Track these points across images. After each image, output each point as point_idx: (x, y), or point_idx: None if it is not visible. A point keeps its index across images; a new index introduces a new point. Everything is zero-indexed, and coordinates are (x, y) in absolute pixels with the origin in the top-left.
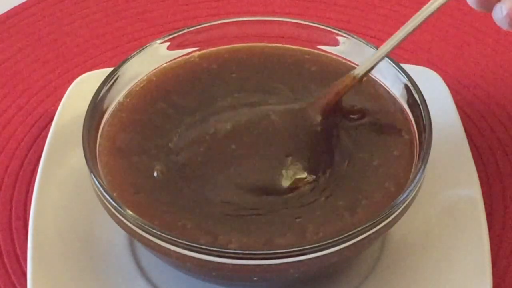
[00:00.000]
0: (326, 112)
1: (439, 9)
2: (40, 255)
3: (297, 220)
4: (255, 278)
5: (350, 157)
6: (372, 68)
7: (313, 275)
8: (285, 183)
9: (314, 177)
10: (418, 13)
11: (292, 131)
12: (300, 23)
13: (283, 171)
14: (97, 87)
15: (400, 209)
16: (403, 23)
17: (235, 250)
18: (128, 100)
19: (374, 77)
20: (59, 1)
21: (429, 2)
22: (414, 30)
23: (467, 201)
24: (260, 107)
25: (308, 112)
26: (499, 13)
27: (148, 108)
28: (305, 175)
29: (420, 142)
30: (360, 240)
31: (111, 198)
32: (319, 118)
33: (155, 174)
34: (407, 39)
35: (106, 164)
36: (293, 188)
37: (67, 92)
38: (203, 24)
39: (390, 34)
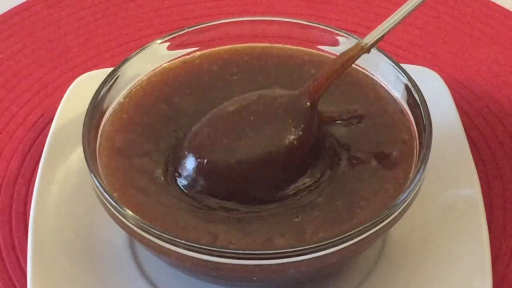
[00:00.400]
0: (332, 82)
1: None
2: (40, 255)
3: (296, 220)
4: (255, 278)
5: (350, 157)
6: (381, 38)
7: (313, 275)
8: (285, 184)
9: (313, 177)
10: None
11: (296, 110)
12: (300, 23)
13: (284, 172)
14: (97, 87)
15: (400, 209)
16: (403, 23)
17: (235, 250)
18: (128, 100)
19: (374, 77)
20: (59, 1)
21: None
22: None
23: (467, 201)
24: (257, 97)
25: (314, 85)
26: None
27: (148, 108)
28: (305, 175)
29: (420, 142)
30: (360, 240)
31: (111, 198)
32: (322, 134)
33: (155, 174)
34: (407, 39)
35: (106, 164)
36: (293, 188)
37: (67, 92)
38: (203, 24)
39: (390, 34)
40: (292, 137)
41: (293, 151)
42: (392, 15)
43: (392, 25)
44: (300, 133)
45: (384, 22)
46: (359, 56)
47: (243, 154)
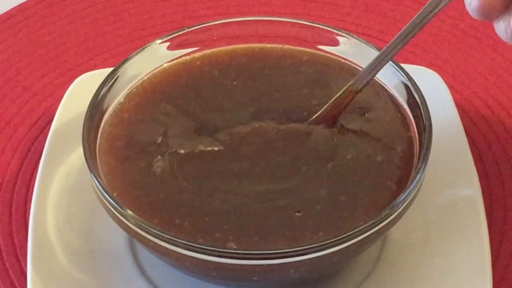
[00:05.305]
0: (329, 126)
1: (440, 10)
2: (40, 255)
3: (296, 214)
4: (255, 278)
5: (350, 157)
6: (372, 78)
7: (313, 275)
8: (286, 183)
9: (314, 175)
10: (419, 13)
11: (297, 147)
12: (300, 23)
13: (284, 170)
14: (97, 87)
15: (400, 209)
16: (403, 23)
17: (235, 250)
18: (128, 100)
19: (374, 77)
20: (59, 1)
21: (428, 4)
22: (412, 36)
23: (467, 201)
24: (262, 124)
25: (312, 132)
26: (502, 30)
27: (148, 108)
28: (306, 174)
29: (420, 142)
30: (360, 240)
31: (111, 198)
32: (323, 133)
33: (154, 174)
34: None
35: (106, 164)
36: (293, 186)
37: (67, 92)
38: (203, 24)
39: (390, 34)
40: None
41: (295, 161)
42: (381, 53)
43: (381, 65)
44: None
45: (373, 60)
46: (352, 100)
47: (246, 156)
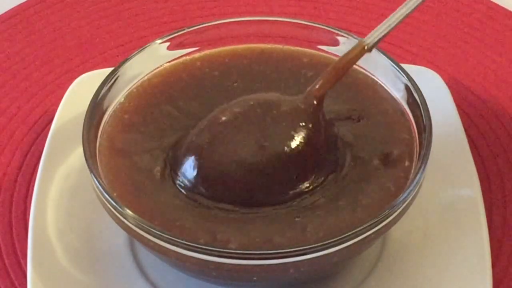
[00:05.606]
0: (336, 82)
1: None
2: (40, 255)
3: (296, 219)
4: (255, 278)
5: (350, 157)
6: (383, 37)
7: (313, 275)
8: (287, 184)
9: (316, 178)
10: None
11: (299, 115)
12: (300, 23)
13: (285, 171)
14: (97, 87)
15: (400, 209)
16: (403, 23)
17: (235, 250)
18: (128, 100)
19: (374, 77)
20: (59, 1)
21: None
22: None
23: (467, 201)
24: (262, 98)
25: (316, 87)
26: None
27: (148, 108)
28: (307, 177)
29: (420, 142)
30: (360, 240)
31: (111, 198)
32: (324, 134)
33: (155, 174)
34: (407, 39)
35: (106, 164)
36: (295, 189)
37: (67, 92)
38: (203, 24)
39: (389, 34)
40: (297, 140)
41: (297, 154)
42: (393, 14)
43: (393, 25)
44: (304, 135)
45: (385, 21)
46: (361, 56)
47: (247, 155)
